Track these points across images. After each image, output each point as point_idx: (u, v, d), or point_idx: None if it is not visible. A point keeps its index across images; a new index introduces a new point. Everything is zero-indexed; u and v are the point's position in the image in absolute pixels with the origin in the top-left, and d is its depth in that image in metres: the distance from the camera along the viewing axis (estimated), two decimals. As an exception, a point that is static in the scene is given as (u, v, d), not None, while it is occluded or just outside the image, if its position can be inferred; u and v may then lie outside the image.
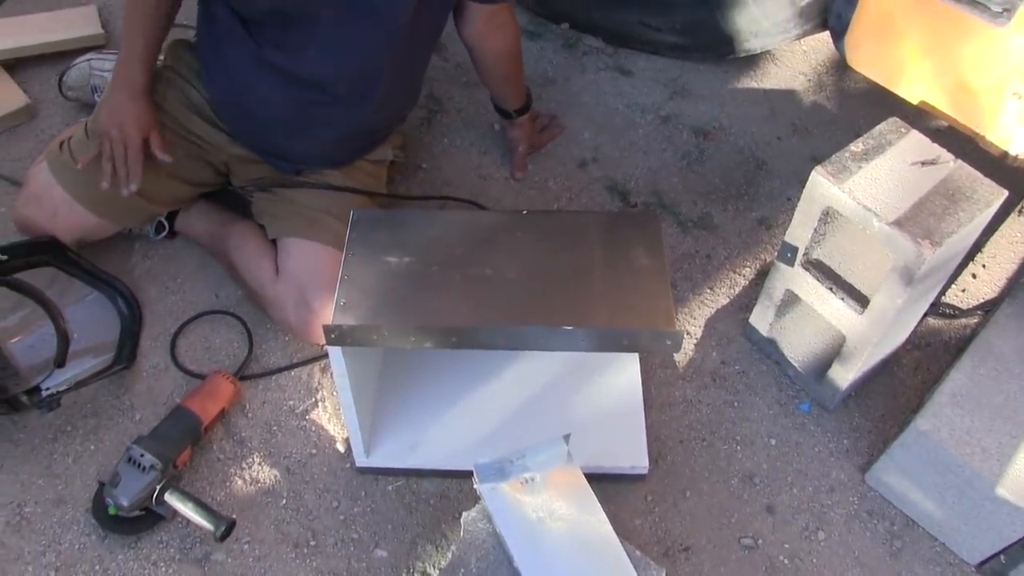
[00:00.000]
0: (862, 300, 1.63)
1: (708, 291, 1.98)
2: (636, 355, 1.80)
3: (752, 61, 2.47)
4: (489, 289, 1.41)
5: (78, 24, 2.43)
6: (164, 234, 1.97)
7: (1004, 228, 2.10)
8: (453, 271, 1.43)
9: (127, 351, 1.79)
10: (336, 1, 1.60)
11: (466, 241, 1.48)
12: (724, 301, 1.97)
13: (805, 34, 2.26)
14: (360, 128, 1.85)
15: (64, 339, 1.70)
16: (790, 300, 1.77)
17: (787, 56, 2.53)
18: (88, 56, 2.21)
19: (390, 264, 1.45)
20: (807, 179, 1.58)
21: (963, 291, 2.00)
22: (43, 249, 1.80)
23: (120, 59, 1.74)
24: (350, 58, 1.68)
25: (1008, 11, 1.51)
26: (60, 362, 1.69)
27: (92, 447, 1.69)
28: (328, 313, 1.39)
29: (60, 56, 2.33)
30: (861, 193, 1.52)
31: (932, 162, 1.58)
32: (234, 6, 1.66)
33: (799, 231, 1.65)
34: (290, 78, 1.70)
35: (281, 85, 1.71)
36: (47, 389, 1.66)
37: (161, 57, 1.83)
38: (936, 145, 1.62)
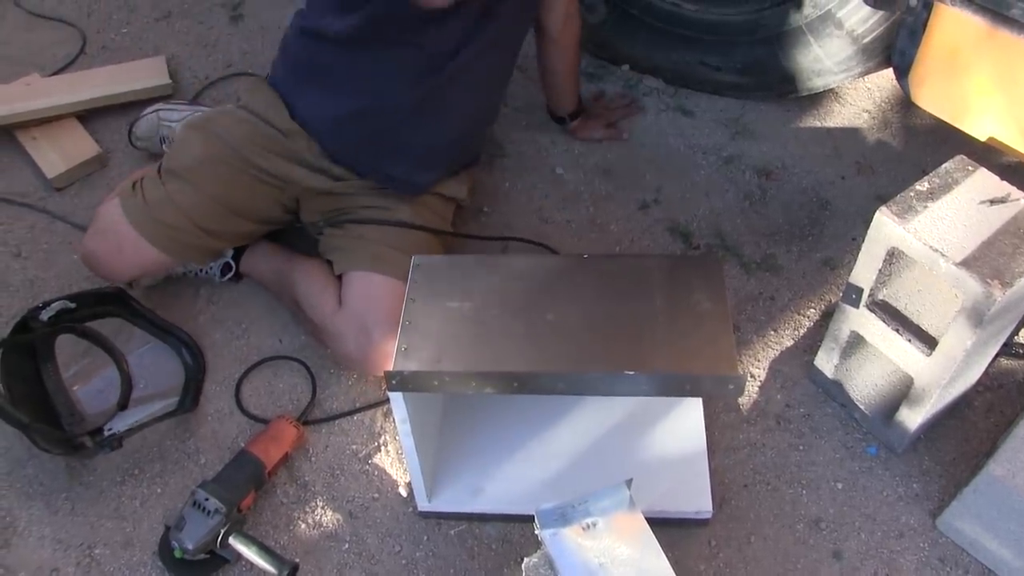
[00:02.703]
0: (930, 342, 1.59)
1: (772, 333, 1.96)
2: (699, 399, 1.78)
3: (815, 99, 2.46)
4: (550, 334, 1.41)
5: (147, 75, 2.50)
6: (230, 275, 2.01)
7: (1080, 265, 2.05)
8: (514, 316, 1.44)
9: (191, 397, 1.83)
10: None
11: (527, 287, 1.49)
12: (788, 343, 1.94)
13: (868, 71, 2.24)
14: (480, 119, 2.00)
15: (128, 383, 1.73)
16: (856, 342, 1.74)
17: (850, 93, 2.51)
18: (156, 107, 2.27)
19: (451, 309, 1.46)
20: (872, 219, 1.56)
21: (1037, 330, 1.96)
22: (110, 300, 1.86)
23: None
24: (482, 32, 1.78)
25: (1078, 46, 1.48)
26: (123, 404, 1.73)
27: (159, 490, 1.72)
28: (389, 344, 1.40)
29: (131, 106, 2.40)
30: (927, 233, 1.49)
31: (1001, 200, 1.55)
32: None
33: (864, 272, 1.62)
34: (425, 64, 1.77)
35: (416, 72, 1.78)
36: (110, 430, 1.71)
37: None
38: (1005, 183, 1.59)
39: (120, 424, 1.72)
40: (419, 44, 1.75)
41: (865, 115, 2.46)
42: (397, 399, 1.41)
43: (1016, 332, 1.91)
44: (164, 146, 2.23)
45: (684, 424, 1.75)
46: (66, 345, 1.82)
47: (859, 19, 2.10)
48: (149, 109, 2.27)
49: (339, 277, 1.85)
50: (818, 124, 2.43)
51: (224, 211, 1.84)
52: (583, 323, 1.43)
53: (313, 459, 1.76)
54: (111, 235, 1.83)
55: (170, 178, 1.83)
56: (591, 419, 1.76)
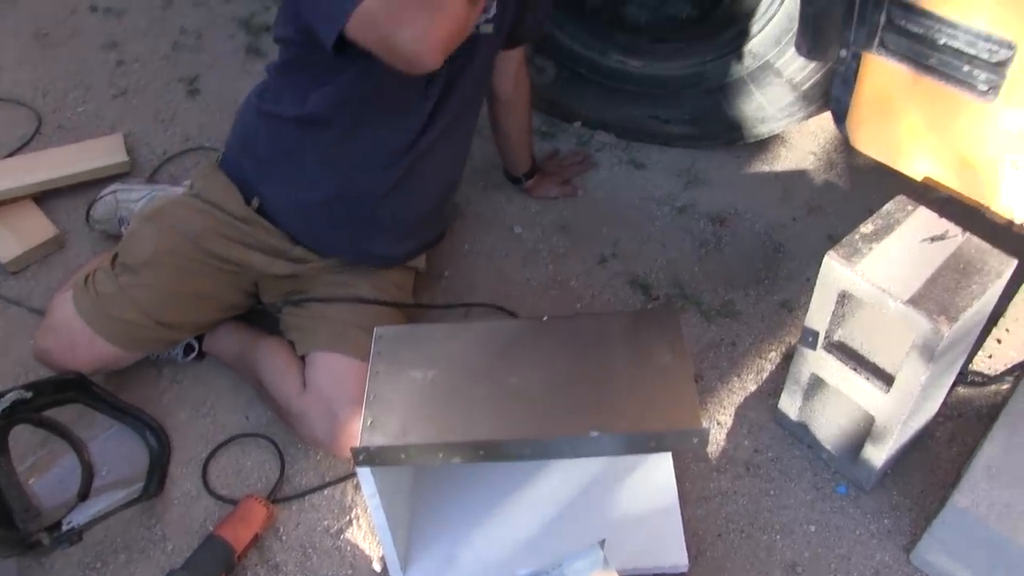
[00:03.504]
0: (887, 379, 1.63)
1: (736, 379, 1.98)
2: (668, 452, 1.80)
3: (762, 145, 2.51)
4: (515, 400, 1.43)
5: (104, 153, 2.49)
6: (193, 355, 2.00)
7: (1023, 291, 2.11)
8: (478, 384, 1.46)
9: (156, 482, 1.80)
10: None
11: (489, 352, 1.51)
12: (752, 388, 1.97)
13: (811, 115, 2.30)
14: (448, 191, 2.02)
15: (89, 472, 1.69)
16: (816, 383, 1.77)
17: (796, 137, 2.56)
18: (113, 188, 2.27)
19: (415, 380, 1.47)
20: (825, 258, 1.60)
21: (990, 357, 2.00)
22: (70, 386, 1.81)
23: None
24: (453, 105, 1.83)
25: (993, 88, 1.54)
26: (84, 495, 1.68)
27: (125, 582, 1.69)
28: (355, 425, 1.41)
29: (88, 185, 2.39)
30: (874, 274, 1.53)
31: (941, 237, 1.60)
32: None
33: (818, 315, 1.66)
34: (395, 145, 1.80)
35: (387, 155, 1.80)
36: (68, 523, 1.66)
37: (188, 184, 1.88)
38: (943, 220, 1.63)
39: (80, 516, 1.67)
40: (389, 125, 1.78)
41: (811, 157, 2.51)
42: (365, 474, 1.42)
43: (970, 360, 1.95)
44: (123, 228, 2.22)
45: (654, 477, 1.76)
46: (22, 435, 1.78)
47: (796, 67, 2.16)
48: (106, 191, 2.27)
49: (302, 357, 1.85)
50: (767, 169, 2.48)
51: (182, 303, 1.84)
52: (546, 386, 1.45)
53: (284, 538, 1.75)
54: (64, 332, 1.81)
55: (124, 272, 1.82)
56: (562, 479, 1.77)
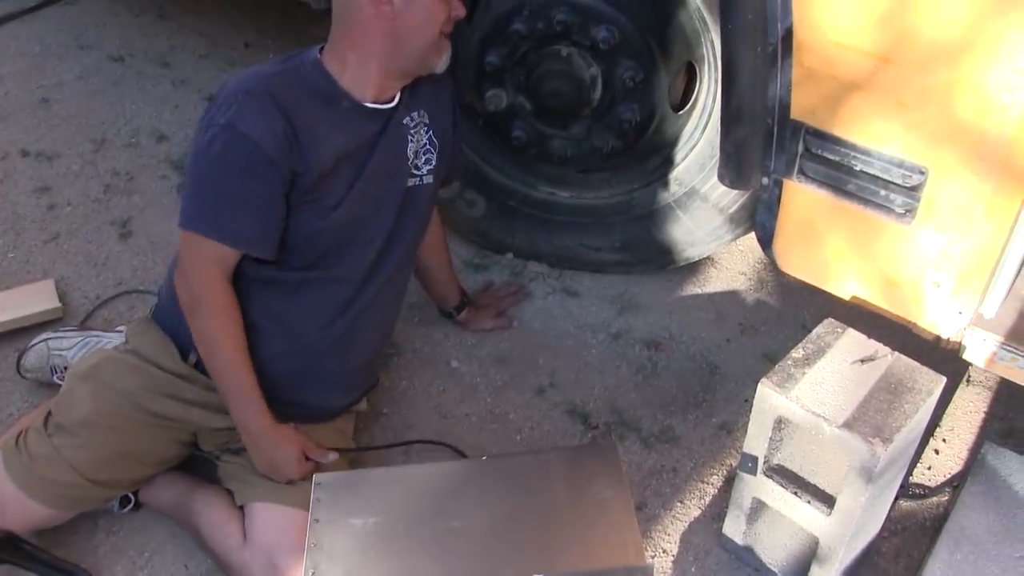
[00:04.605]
0: (828, 500, 1.64)
1: (679, 505, 1.98)
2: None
3: (693, 267, 2.57)
4: (458, 544, 1.42)
5: (35, 299, 2.45)
6: (129, 507, 1.95)
7: (956, 399, 2.16)
8: (420, 529, 1.44)
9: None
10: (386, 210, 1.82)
11: (430, 496, 1.50)
12: (696, 513, 1.96)
13: (738, 236, 2.36)
14: (385, 336, 2.05)
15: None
16: (759, 507, 1.78)
17: (725, 258, 2.63)
18: (44, 336, 2.23)
19: (356, 527, 1.46)
20: (761, 378, 1.62)
21: (929, 468, 2.03)
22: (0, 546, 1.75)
23: (240, 404, 1.75)
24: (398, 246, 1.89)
25: (910, 211, 1.60)
26: None
27: None
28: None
29: (20, 332, 2.35)
30: (808, 399, 1.56)
31: (871, 358, 1.64)
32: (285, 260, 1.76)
33: (756, 441, 1.67)
34: (343, 295, 1.83)
35: (335, 306, 1.83)
36: None
37: (122, 330, 1.84)
38: (872, 341, 1.68)
39: None
40: (336, 276, 1.81)
41: (742, 277, 2.57)
42: (309, 627, 1.38)
43: (910, 472, 1.97)
44: (55, 377, 2.18)
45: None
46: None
47: (722, 192, 2.23)
48: (37, 339, 2.23)
49: (241, 506, 1.81)
50: (699, 291, 2.53)
51: (118, 461, 1.80)
52: (489, 528, 1.44)
53: None
54: None
55: (58, 432, 1.78)
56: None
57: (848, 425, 1.50)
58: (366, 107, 1.75)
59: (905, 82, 1.54)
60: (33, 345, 2.22)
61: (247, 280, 1.76)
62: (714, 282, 2.56)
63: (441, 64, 1.79)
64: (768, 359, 2.30)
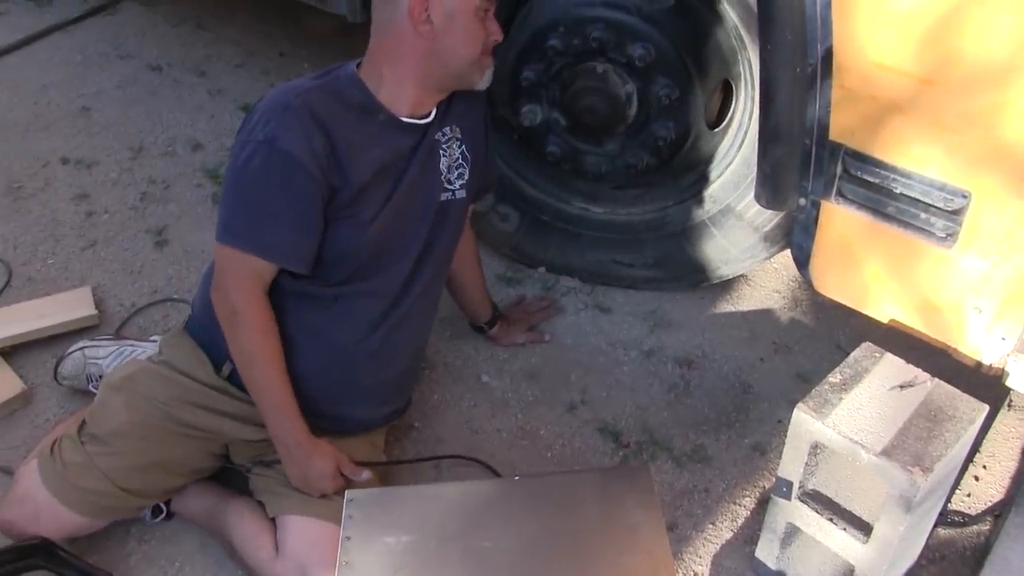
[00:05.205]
0: (864, 528, 1.62)
1: (710, 527, 1.96)
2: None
3: (727, 285, 2.55)
4: (489, 563, 1.41)
5: (72, 307, 2.48)
6: (161, 517, 1.96)
7: (997, 425, 2.12)
8: (451, 548, 1.44)
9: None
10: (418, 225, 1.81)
11: (462, 515, 1.49)
12: (728, 535, 1.95)
13: (773, 255, 2.34)
14: (420, 348, 2.04)
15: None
16: (793, 532, 1.75)
17: (760, 276, 2.61)
18: (81, 344, 2.25)
19: (388, 545, 1.46)
20: (794, 398, 1.61)
21: (968, 495, 2.00)
22: (34, 552, 1.76)
23: (277, 418, 1.76)
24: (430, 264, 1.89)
25: (951, 236, 1.58)
26: None
27: None
28: (331, 590, 1.38)
29: (57, 338, 2.37)
30: (845, 425, 1.54)
31: (910, 384, 1.62)
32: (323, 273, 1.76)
33: (791, 466, 1.65)
34: (379, 309, 1.84)
35: (371, 320, 1.84)
36: None
37: (156, 339, 1.84)
38: (911, 366, 1.66)
39: None
40: (370, 290, 1.81)
41: (776, 295, 2.55)
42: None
43: (948, 500, 1.94)
44: (90, 385, 2.20)
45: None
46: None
47: (757, 210, 2.21)
48: (74, 347, 2.25)
49: (273, 518, 1.81)
50: (732, 309, 2.51)
51: (151, 471, 1.81)
52: (520, 548, 1.43)
53: None
54: (28, 503, 1.78)
55: (92, 442, 1.79)
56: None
57: (887, 453, 1.48)
58: (402, 121, 1.76)
59: (948, 105, 1.52)
60: (70, 353, 2.25)
61: (283, 294, 1.76)
62: (747, 300, 2.54)
63: (483, 82, 1.80)
64: (802, 379, 2.28)
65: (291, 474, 1.78)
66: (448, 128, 1.85)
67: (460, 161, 1.89)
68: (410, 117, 1.77)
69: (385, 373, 1.91)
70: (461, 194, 1.91)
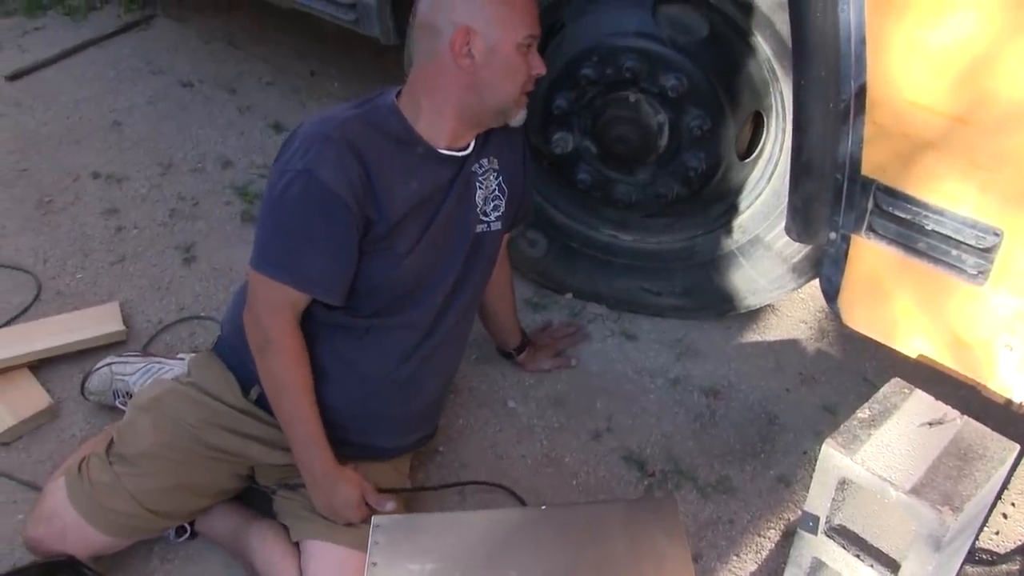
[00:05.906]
0: (892, 565, 1.61)
1: (735, 558, 1.96)
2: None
3: (753, 315, 2.54)
4: (514, 594, 1.41)
5: (101, 322, 2.50)
6: (185, 536, 1.97)
7: (1026, 462, 2.10)
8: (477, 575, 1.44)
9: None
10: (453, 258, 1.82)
11: (488, 544, 1.49)
12: (752, 567, 1.94)
13: (800, 286, 2.34)
14: (450, 375, 2.03)
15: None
16: (818, 566, 1.74)
17: (787, 306, 2.60)
18: (108, 360, 2.27)
19: (414, 572, 1.45)
20: (820, 430, 1.60)
21: (996, 533, 1.99)
22: (59, 569, 1.78)
23: (304, 446, 1.77)
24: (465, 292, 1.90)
25: (983, 273, 1.57)
26: None
27: None
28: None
29: (85, 353, 2.39)
30: (874, 462, 1.53)
31: (939, 421, 1.61)
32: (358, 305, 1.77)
33: (818, 500, 1.65)
34: (412, 340, 1.84)
35: (404, 350, 1.84)
36: None
37: (183, 357, 1.84)
38: (940, 403, 1.65)
39: None
40: (403, 323, 1.82)
41: (803, 326, 2.55)
42: (363, 674, 1.38)
43: (976, 537, 1.93)
44: (117, 401, 2.22)
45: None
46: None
47: (786, 241, 2.21)
48: (101, 363, 2.27)
49: (296, 543, 1.82)
50: (759, 338, 2.51)
51: (177, 492, 1.82)
52: (546, 579, 1.43)
53: None
54: (56, 521, 1.79)
55: (120, 462, 1.80)
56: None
57: (916, 491, 1.47)
58: (441, 153, 1.76)
59: (981, 144, 1.52)
60: (97, 369, 2.26)
61: (315, 323, 1.77)
62: (774, 330, 2.54)
63: (518, 119, 1.80)
64: (828, 411, 2.27)
65: (316, 501, 1.78)
66: (486, 159, 1.86)
67: (496, 193, 1.90)
68: (448, 149, 1.77)
69: (415, 403, 1.91)
70: (496, 226, 1.91)
